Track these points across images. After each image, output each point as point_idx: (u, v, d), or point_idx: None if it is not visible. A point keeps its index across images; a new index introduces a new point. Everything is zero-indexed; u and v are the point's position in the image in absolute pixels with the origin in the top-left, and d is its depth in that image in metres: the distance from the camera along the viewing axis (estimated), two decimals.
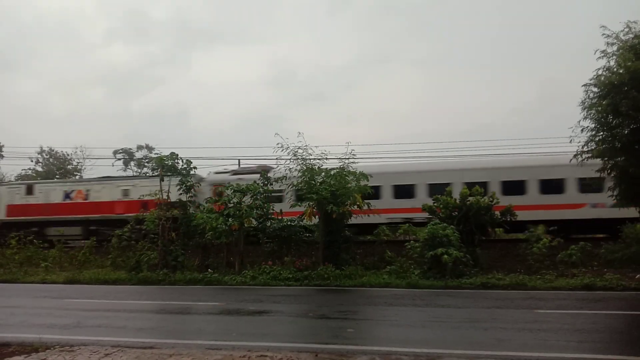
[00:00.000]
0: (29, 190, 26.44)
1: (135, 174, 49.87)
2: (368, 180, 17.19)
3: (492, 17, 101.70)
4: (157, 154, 23.80)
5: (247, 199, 18.39)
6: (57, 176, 46.36)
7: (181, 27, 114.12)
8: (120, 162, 52.42)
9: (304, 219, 17.94)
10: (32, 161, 50.53)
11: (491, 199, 17.61)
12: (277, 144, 16.63)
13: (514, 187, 20.35)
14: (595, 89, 14.54)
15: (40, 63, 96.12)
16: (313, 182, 16.88)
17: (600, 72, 14.44)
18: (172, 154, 19.65)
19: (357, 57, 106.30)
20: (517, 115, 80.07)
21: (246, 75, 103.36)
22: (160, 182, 19.32)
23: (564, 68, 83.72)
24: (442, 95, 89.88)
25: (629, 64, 13.38)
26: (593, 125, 14.95)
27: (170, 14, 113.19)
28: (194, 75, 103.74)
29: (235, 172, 24.13)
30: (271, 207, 18.86)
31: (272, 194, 19.34)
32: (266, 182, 19.60)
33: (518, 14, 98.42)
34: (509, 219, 17.68)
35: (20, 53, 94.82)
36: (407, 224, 19.84)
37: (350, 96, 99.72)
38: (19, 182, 37.35)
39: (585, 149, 15.45)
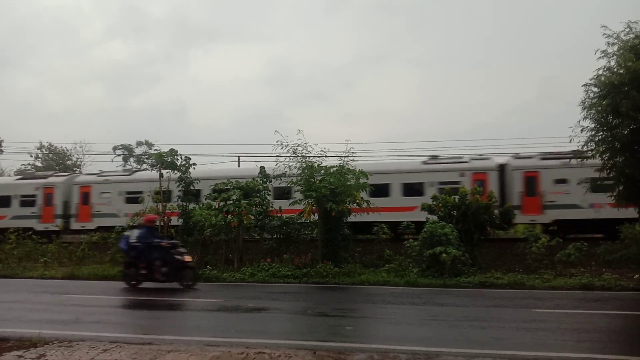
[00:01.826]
0: None
1: (134, 170, 49.76)
2: (368, 178, 17.16)
3: (490, 16, 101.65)
4: (157, 150, 23.67)
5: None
6: None
7: (179, 25, 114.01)
8: (120, 158, 52.42)
9: (302, 216, 17.94)
10: (31, 156, 50.53)
11: (490, 199, 17.60)
12: (277, 141, 16.67)
13: None
14: (596, 89, 14.52)
15: (38, 60, 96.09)
16: (312, 179, 16.88)
17: (600, 72, 14.42)
18: (172, 150, 19.57)
19: (355, 56, 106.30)
20: (516, 114, 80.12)
21: (244, 73, 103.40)
22: (160, 178, 19.31)
23: (563, 66, 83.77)
24: (440, 94, 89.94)
25: (630, 64, 13.35)
26: (593, 125, 14.92)
27: (168, 11, 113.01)
28: (192, 73, 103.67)
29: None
30: None
31: None
32: (265, 180, 19.56)
33: (516, 12, 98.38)
34: (507, 219, 17.70)
35: (18, 50, 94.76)
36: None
37: (348, 95, 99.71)
38: None
39: (584, 148, 15.46)
